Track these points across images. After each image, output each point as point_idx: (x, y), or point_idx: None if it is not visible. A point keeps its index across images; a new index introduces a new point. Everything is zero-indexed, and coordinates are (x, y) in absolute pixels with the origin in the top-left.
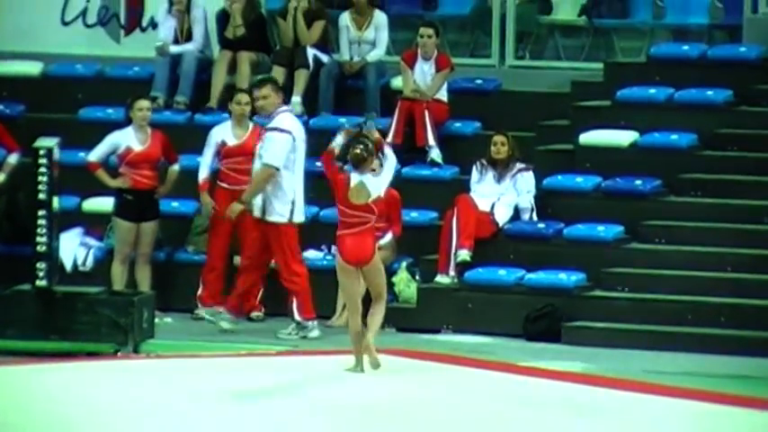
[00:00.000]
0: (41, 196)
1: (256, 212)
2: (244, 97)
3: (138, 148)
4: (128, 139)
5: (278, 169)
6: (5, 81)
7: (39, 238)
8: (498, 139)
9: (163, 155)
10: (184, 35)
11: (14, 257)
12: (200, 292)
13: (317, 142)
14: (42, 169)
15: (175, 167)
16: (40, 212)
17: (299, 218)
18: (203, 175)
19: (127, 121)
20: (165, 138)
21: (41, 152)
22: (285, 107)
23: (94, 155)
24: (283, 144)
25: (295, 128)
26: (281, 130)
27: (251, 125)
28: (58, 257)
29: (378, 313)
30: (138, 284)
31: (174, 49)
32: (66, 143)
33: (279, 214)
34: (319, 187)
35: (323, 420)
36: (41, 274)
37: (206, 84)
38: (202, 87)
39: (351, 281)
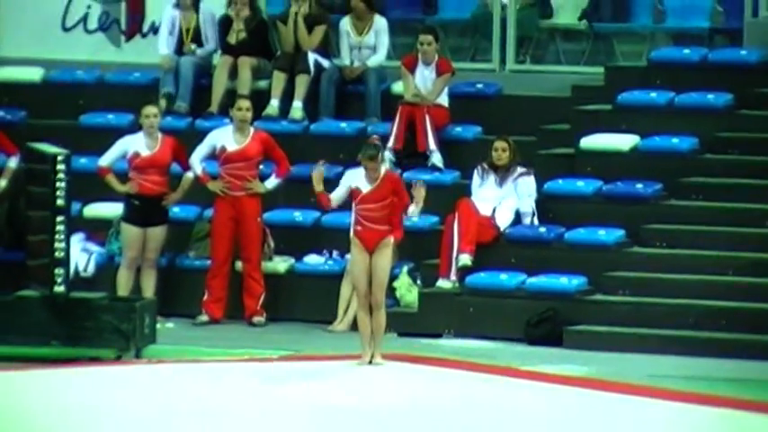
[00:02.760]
0: (60, 202)
1: None
2: (245, 103)
3: (145, 153)
4: (137, 144)
5: None
6: (7, 87)
7: (57, 245)
8: (499, 144)
9: (174, 160)
10: (190, 35)
11: (17, 264)
12: (205, 297)
13: (319, 146)
14: (60, 175)
15: (189, 174)
16: (59, 218)
17: None
18: (198, 169)
19: (138, 127)
20: (176, 144)
21: (59, 158)
22: None
23: (105, 160)
24: None
25: None
26: None
27: (252, 131)
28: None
29: (379, 326)
30: (142, 290)
31: (199, 52)
32: (68, 149)
33: None
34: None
35: (323, 425)
36: (59, 280)
37: (207, 89)
38: (203, 92)
39: (363, 256)
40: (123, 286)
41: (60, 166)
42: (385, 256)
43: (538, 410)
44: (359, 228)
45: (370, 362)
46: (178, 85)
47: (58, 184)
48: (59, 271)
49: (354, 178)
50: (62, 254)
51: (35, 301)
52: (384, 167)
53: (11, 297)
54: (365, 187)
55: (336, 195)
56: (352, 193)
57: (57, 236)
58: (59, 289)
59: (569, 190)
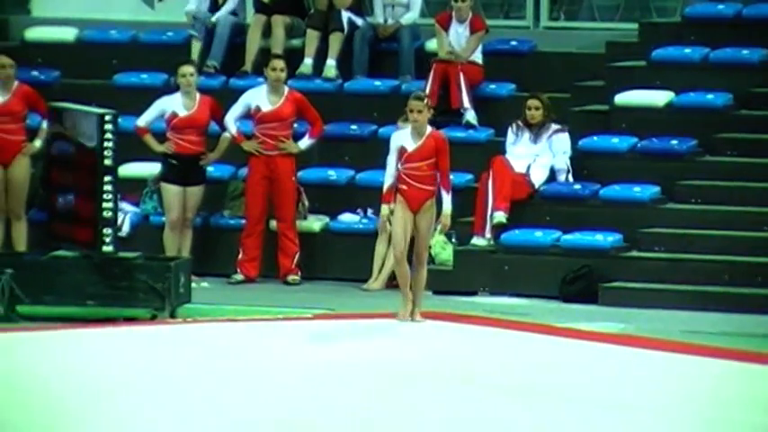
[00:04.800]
0: (107, 162)
1: None
2: (279, 63)
3: (183, 113)
4: (174, 105)
5: None
6: (40, 47)
7: (104, 204)
8: (532, 103)
9: (212, 120)
10: None
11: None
12: (239, 257)
13: (353, 105)
14: (108, 135)
15: (227, 134)
16: (106, 178)
17: None
18: (233, 129)
19: (174, 87)
20: (214, 102)
21: (107, 118)
22: None
23: (143, 120)
24: None
25: None
26: None
27: (286, 90)
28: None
29: (420, 283)
30: (179, 249)
31: (205, 16)
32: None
33: None
34: (355, 151)
35: (358, 383)
36: (107, 240)
37: (240, 48)
38: (236, 51)
39: (406, 215)
40: (170, 247)
41: (108, 126)
42: (428, 219)
43: (573, 368)
44: (404, 187)
45: (411, 318)
46: (210, 44)
47: (105, 143)
48: (107, 231)
49: (400, 138)
50: (110, 213)
51: (70, 261)
52: (429, 127)
53: (46, 257)
54: (410, 145)
55: (390, 171)
56: (399, 153)
57: (104, 195)
58: (107, 249)
59: (604, 146)
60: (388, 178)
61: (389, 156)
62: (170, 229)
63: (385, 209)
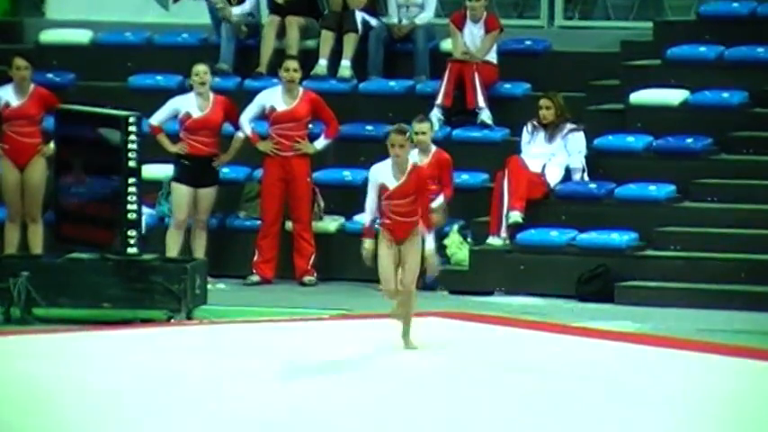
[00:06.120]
0: (131, 164)
1: None
2: (293, 63)
3: (196, 114)
4: (187, 105)
5: None
6: (56, 50)
7: (129, 206)
8: (544, 102)
9: (227, 120)
10: None
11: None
12: (255, 258)
13: (368, 105)
14: (132, 137)
15: (240, 135)
16: (130, 180)
17: None
18: (248, 130)
19: (180, 88)
20: (228, 103)
21: (131, 120)
22: None
23: (156, 119)
24: None
25: None
26: None
27: (301, 91)
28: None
29: (409, 312)
30: (193, 251)
31: (235, 11)
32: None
33: None
34: (370, 152)
35: (373, 384)
36: (132, 241)
37: (255, 49)
38: (251, 52)
39: (392, 251)
40: (172, 247)
41: (132, 128)
42: (416, 244)
43: (589, 367)
44: (387, 221)
45: (405, 345)
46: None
47: (129, 146)
48: (132, 233)
49: (380, 174)
50: (134, 215)
51: (86, 263)
52: (411, 161)
53: (62, 259)
54: (391, 183)
55: (371, 206)
56: (380, 190)
57: (128, 197)
58: (132, 251)
59: (619, 145)
60: (369, 214)
61: (369, 190)
62: (175, 228)
63: (368, 243)
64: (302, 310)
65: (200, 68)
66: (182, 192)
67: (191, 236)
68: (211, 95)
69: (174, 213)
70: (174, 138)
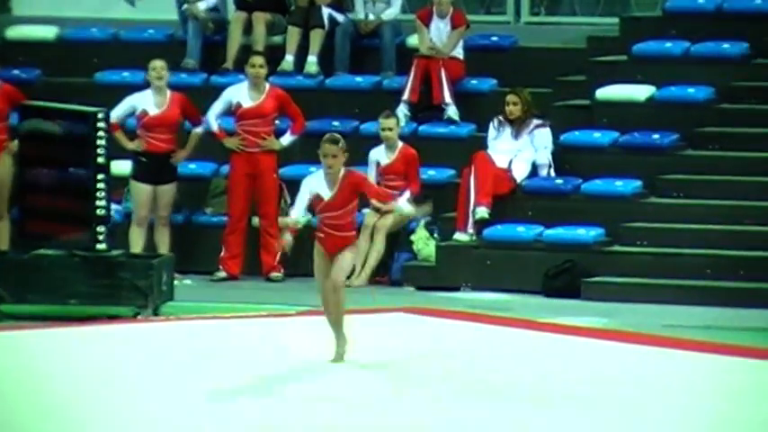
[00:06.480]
0: (100, 160)
1: None
2: (258, 60)
3: (153, 111)
4: (144, 102)
5: None
6: (21, 46)
7: (98, 202)
8: (510, 98)
9: (184, 117)
10: None
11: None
12: (222, 254)
13: (334, 101)
14: (100, 133)
15: (198, 130)
16: (99, 176)
17: None
18: (215, 126)
19: (147, 84)
20: (185, 100)
21: (99, 116)
22: None
23: (114, 115)
24: None
25: None
26: None
27: (267, 87)
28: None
29: (338, 311)
30: (156, 247)
31: (200, 6)
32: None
33: None
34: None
35: (340, 377)
36: (101, 237)
37: (222, 45)
38: (218, 49)
39: (325, 263)
40: (136, 243)
41: (101, 124)
42: (347, 251)
43: (556, 363)
44: (321, 235)
45: (338, 358)
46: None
47: (98, 141)
48: (101, 229)
49: (314, 184)
50: (103, 212)
51: (53, 259)
52: (343, 170)
53: (29, 255)
54: (326, 193)
55: (299, 209)
56: (313, 202)
57: (97, 194)
58: (101, 246)
59: (586, 141)
60: (294, 213)
61: (300, 195)
62: (136, 225)
63: (287, 236)
64: (269, 307)
65: (158, 63)
66: (141, 189)
67: (154, 233)
68: (168, 93)
69: (134, 211)
70: (132, 135)
